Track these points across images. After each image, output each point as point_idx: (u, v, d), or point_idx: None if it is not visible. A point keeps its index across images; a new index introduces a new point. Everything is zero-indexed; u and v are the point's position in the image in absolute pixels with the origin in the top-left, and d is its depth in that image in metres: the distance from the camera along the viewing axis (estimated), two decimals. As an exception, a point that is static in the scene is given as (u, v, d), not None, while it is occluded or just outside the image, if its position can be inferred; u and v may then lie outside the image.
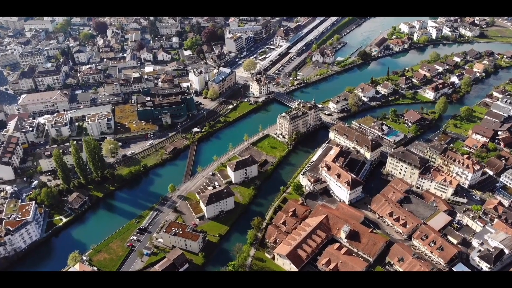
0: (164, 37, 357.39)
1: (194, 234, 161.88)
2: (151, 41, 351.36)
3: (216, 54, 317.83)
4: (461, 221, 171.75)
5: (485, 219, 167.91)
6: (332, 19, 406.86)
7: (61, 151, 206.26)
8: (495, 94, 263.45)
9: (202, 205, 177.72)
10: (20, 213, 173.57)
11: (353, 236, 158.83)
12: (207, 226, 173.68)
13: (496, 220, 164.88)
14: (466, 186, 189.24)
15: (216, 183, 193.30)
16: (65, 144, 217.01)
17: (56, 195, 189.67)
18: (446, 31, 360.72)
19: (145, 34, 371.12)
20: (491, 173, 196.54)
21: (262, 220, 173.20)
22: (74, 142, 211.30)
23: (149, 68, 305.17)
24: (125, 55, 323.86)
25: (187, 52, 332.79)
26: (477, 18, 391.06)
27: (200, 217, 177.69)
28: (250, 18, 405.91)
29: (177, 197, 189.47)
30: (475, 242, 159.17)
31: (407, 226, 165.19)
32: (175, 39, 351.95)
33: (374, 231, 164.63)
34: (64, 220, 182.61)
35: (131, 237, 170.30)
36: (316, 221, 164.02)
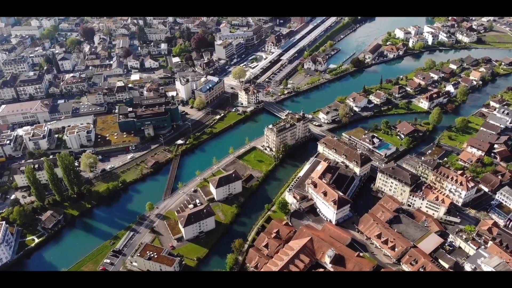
0: (152, 43, 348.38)
1: (169, 258, 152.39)
2: (139, 48, 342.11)
3: (205, 61, 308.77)
4: (453, 243, 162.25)
5: (479, 241, 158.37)
6: (326, 24, 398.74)
7: (37, 166, 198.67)
8: (492, 103, 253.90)
9: (180, 226, 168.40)
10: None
11: (338, 260, 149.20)
12: (185, 248, 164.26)
13: (490, 242, 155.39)
14: (459, 204, 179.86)
15: (197, 201, 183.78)
16: (42, 158, 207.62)
17: (29, 214, 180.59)
18: (442, 36, 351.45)
19: (134, 40, 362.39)
20: (486, 189, 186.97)
21: (244, 242, 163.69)
22: (51, 156, 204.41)
23: (135, 76, 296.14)
24: (111, 62, 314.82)
25: (176, 59, 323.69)
26: (475, 23, 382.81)
27: (178, 238, 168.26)
28: (243, 23, 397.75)
29: (155, 216, 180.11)
30: (467, 267, 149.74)
31: (396, 249, 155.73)
32: (163, 46, 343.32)
33: (361, 254, 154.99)
34: (37, 240, 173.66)
35: (105, 260, 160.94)
36: (300, 244, 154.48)
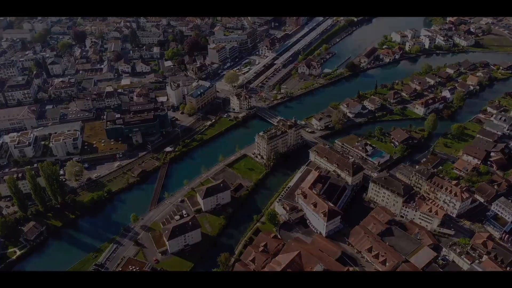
0: (145, 47, 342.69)
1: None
2: (131, 51, 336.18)
3: (198, 65, 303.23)
4: (446, 257, 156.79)
5: (473, 255, 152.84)
6: (322, 27, 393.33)
7: (20, 175, 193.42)
8: (489, 109, 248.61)
9: (164, 239, 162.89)
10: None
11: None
12: (169, 262, 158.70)
13: (485, 257, 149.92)
14: (454, 216, 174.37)
15: (184, 211, 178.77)
16: (26, 166, 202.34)
17: (12, 225, 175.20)
18: (439, 40, 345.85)
19: (126, 44, 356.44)
20: (481, 200, 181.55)
21: (230, 256, 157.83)
22: (35, 165, 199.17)
23: (126, 81, 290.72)
24: (102, 66, 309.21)
25: (168, 63, 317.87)
26: (473, 26, 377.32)
27: (162, 251, 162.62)
28: (237, 26, 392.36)
29: (140, 228, 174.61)
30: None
31: (387, 264, 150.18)
32: (156, 49, 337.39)
33: (350, 269, 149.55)
34: (18, 252, 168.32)
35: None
36: (288, 259, 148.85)
